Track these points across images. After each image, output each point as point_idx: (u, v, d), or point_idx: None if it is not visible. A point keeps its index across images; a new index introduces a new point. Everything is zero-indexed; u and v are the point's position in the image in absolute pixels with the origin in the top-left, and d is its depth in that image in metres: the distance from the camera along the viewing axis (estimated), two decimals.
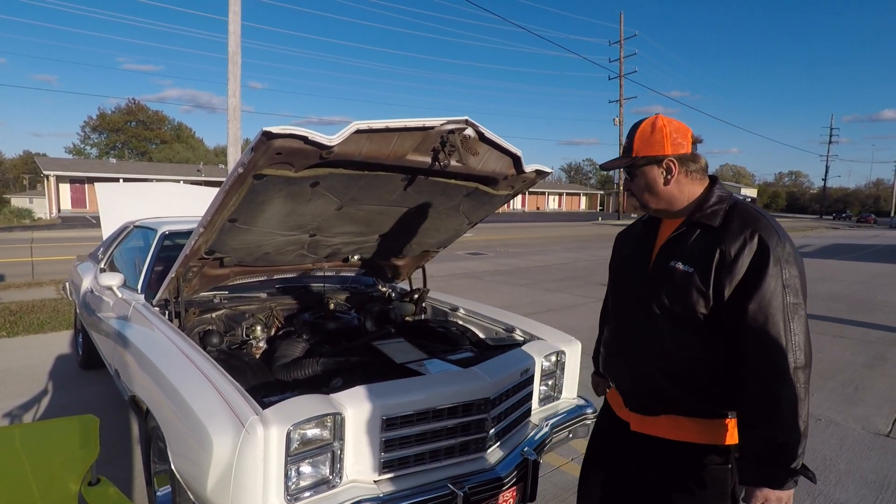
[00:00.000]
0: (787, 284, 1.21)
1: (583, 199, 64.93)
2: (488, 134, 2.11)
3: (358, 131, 1.75)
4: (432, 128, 1.92)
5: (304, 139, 1.68)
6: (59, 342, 5.14)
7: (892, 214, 61.74)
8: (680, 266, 1.31)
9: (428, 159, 2.06)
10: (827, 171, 66.55)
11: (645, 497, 1.46)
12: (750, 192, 71.18)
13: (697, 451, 1.35)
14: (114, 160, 46.21)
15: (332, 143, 1.73)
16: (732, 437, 1.33)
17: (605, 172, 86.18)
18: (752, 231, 1.25)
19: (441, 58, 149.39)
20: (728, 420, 1.34)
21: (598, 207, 65.59)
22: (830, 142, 65.81)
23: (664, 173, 1.37)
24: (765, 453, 1.20)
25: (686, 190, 1.38)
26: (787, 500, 1.21)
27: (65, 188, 33.68)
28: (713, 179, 1.41)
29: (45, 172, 32.44)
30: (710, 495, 1.34)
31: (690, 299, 1.28)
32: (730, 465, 1.33)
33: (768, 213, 1.33)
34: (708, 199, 1.36)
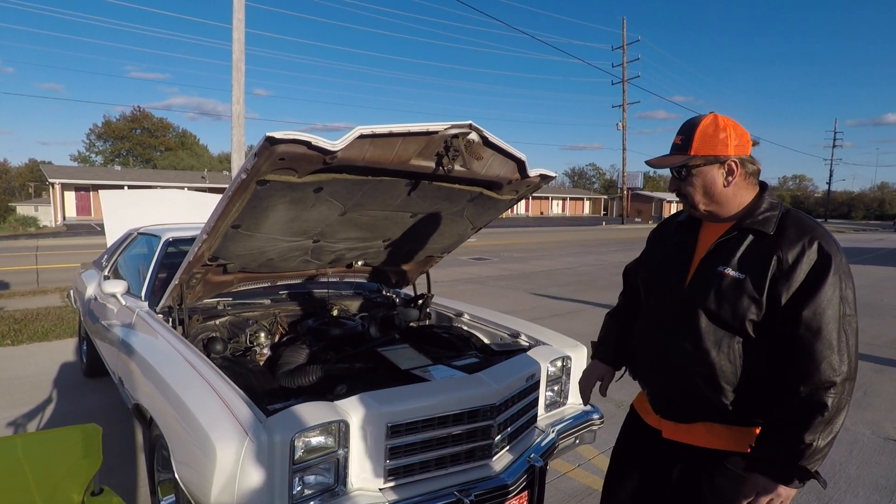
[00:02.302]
0: (843, 296, 1.20)
1: (586, 203, 64.87)
2: (492, 138, 2.10)
3: (361, 136, 1.74)
4: (436, 132, 1.91)
5: (308, 144, 1.68)
6: (64, 350, 5.13)
7: None
8: (730, 272, 1.28)
9: (432, 164, 2.05)
10: (831, 175, 66.29)
11: None
12: None
13: (727, 457, 1.33)
14: (119, 167, 46.43)
15: (336, 148, 1.72)
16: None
17: (608, 177, 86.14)
18: (810, 239, 1.23)
19: (444, 64, 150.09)
20: (755, 429, 1.33)
21: (602, 212, 65.52)
22: (834, 146, 65.60)
23: (725, 174, 1.33)
24: (787, 449, 1.19)
25: (740, 194, 1.35)
26: (787, 499, 1.22)
27: (70, 196, 33.88)
28: (763, 186, 1.39)
29: (51, 180, 32.64)
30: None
31: (741, 306, 1.25)
32: None
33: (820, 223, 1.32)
34: (759, 205, 1.33)
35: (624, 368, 1.69)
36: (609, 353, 1.70)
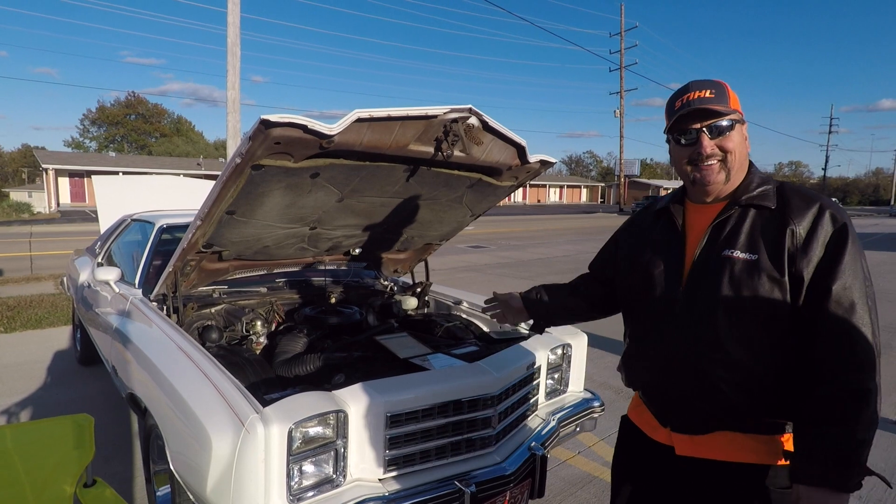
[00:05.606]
0: (862, 265, 1.10)
1: (584, 191, 64.80)
2: (492, 123, 2.05)
3: (359, 120, 1.69)
4: (435, 116, 1.86)
5: (304, 128, 1.62)
6: (58, 338, 5.10)
7: (892, 203, 61.52)
8: (739, 254, 1.14)
9: (430, 149, 2.00)
10: (827, 161, 66.24)
11: None
12: None
13: (756, 473, 1.18)
14: (113, 154, 46.06)
15: (333, 132, 1.67)
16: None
17: (605, 165, 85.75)
18: (819, 207, 1.12)
19: (442, 50, 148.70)
20: (783, 436, 1.19)
21: (599, 199, 65.48)
22: (830, 131, 65.48)
23: (746, 139, 1.23)
24: (838, 450, 1.04)
25: (746, 165, 1.25)
26: None
27: (64, 182, 33.57)
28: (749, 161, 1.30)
29: (44, 166, 32.30)
30: None
31: (762, 291, 1.11)
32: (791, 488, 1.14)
33: None
34: (752, 180, 1.23)
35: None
36: (536, 305, 1.63)
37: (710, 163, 1.21)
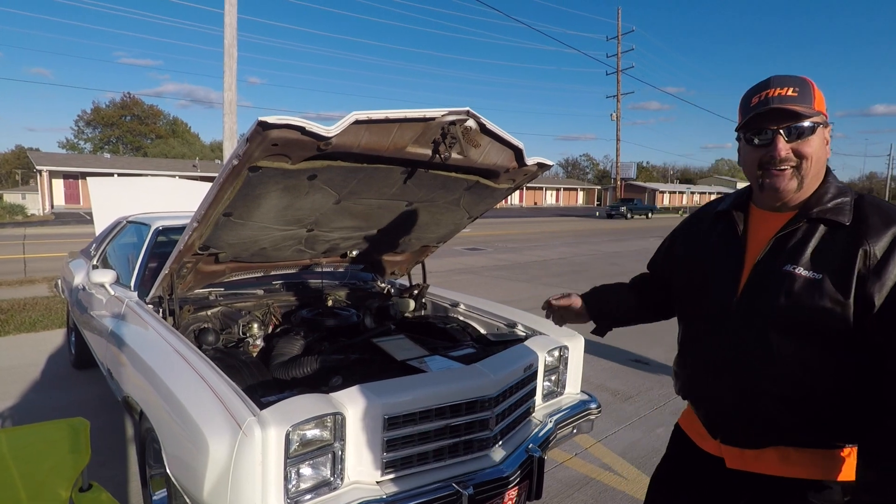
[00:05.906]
0: None
1: (580, 193, 65.00)
2: (490, 125, 2.06)
3: (357, 122, 1.69)
4: (433, 119, 1.86)
5: (302, 130, 1.62)
6: (52, 341, 5.06)
7: None
8: (802, 272, 1.06)
9: (428, 151, 2.00)
10: None
11: None
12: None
13: (808, 488, 1.12)
14: (108, 155, 45.92)
15: (330, 134, 1.67)
16: (846, 473, 1.11)
17: (601, 168, 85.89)
18: None
19: (438, 52, 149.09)
20: (843, 451, 1.11)
21: (596, 202, 65.66)
22: None
23: (828, 143, 1.13)
24: None
25: (822, 173, 1.14)
26: None
27: (58, 183, 33.42)
28: (827, 167, 1.17)
29: (38, 167, 32.15)
30: None
31: (822, 312, 1.03)
32: None
33: None
34: (826, 189, 1.12)
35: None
36: (599, 310, 1.53)
37: (782, 168, 1.11)
